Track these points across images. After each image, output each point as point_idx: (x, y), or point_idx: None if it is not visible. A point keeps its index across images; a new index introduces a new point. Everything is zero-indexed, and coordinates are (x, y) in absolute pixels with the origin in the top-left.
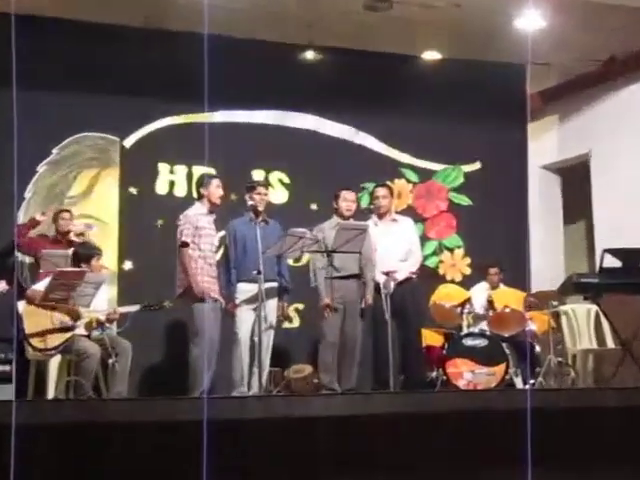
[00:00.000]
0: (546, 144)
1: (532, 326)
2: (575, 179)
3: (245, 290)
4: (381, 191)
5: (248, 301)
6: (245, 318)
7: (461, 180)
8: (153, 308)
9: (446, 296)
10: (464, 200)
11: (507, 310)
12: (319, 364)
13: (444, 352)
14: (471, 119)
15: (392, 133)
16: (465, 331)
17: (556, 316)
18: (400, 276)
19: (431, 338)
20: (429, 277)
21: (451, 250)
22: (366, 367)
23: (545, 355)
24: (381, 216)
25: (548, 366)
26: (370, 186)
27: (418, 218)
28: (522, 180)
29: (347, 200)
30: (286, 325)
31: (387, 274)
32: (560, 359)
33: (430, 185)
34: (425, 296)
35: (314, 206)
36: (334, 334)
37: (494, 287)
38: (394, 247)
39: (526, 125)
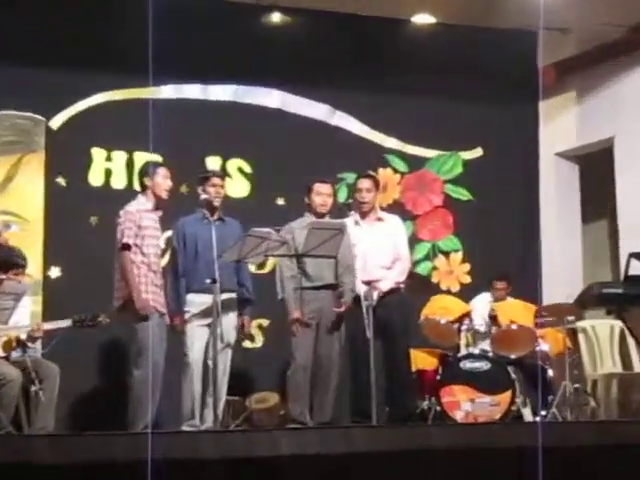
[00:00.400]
0: (562, 127)
1: (544, 346)
2: (596, 169)
3: (197, 302)
4: (363, 183)
5: (200, 316)
6: (197, 336)
7: (459, 170)
8: (86, 324)
9: (441, 310)
10: (463, 194)
11: (514, 327)
12: (287, 392)
13: (438, 377)
14: (471, 96)
15: (376, 113)
16: (463, 352)
17: (573, 334)
18: (385, 286)
19: (423, 361)
20: (420, 287)
21: (447, 254)
22: (344, 396)
23: (560, 381)
24: (363, 213)
25: (563, 394)
26: (350, 177)
27: (407, 215)
28: (533, 170)
29: (321, 194)
30: (247, 345)
31: (369, 283)
32: (577, 386)
33: (422, 176)
34: (415, 310)
35: (281, 201)
36: (305, 356)
37: (499, 299)
38: (378, 251)
39: (537, 104)
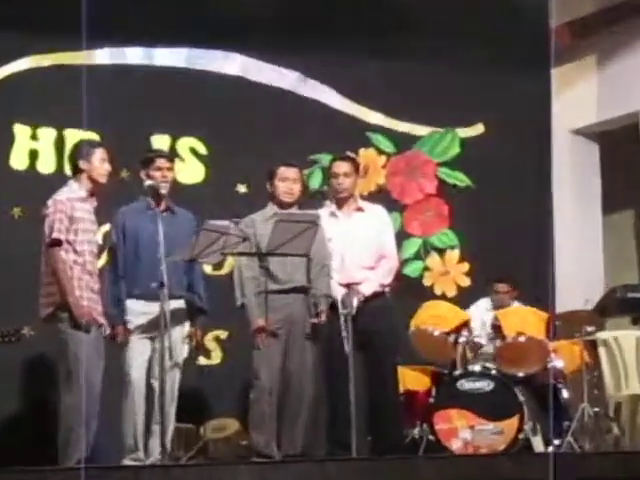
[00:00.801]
0: (579, 99)
1: (558, 362)
2: (620, 149)
3: (139, 311)
4: (340, 166)
5: (144, 327)
6: (139, 352)
7: (456, 150)
8: (6, 338)
9: (434, 319)
10: (461, 179)
11: (522, 339)
12: (250, 418)
13: (431, 400)
14: (471, 63)
15: (357, 81)
16: (461, 369)
17: (592, 347)
18: (367, 290)
19: (412, 380)
20: (409, 291)
21: (442, 252)
22: (318, 422)
23: (577, 403)
24: (340, 203)
25: (581, 419)
26: (325, 159)
27: (394, 205)
28: (544, 151)
29: (286, 179)
30: (202, 361)
31: (348, 287)
32: (598, 409)
33: (412, 158)
34: (404, 319)
35: (242, 188)
36: (272, 374)
37: (502, 306)
38: (359, 248)
39: (550, 72)
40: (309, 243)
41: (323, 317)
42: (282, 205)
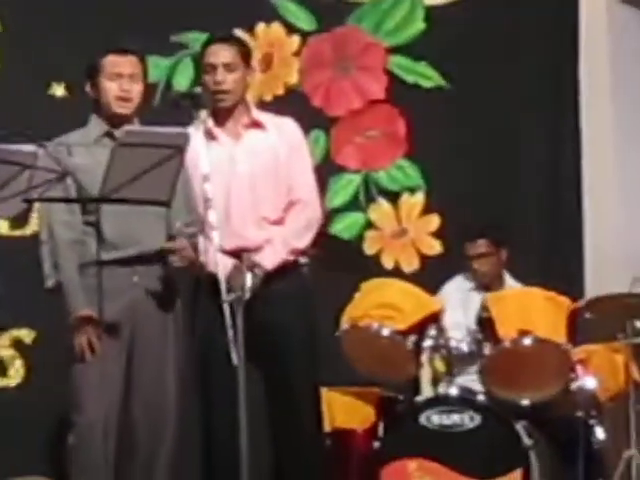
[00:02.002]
0: None
1: (589, 381)
2: None
3: None
4: (219, 53)
5: None
6: None
7: (419, 26)
8: None
9: (382, 309)
10: (426, 76)
11: (527, 342)
12: (72, 471)
13: (376, 445)
14: None
15: None
16: (427, 392)
17: None
18: (269, 260)
19: (345, 412)
20: (341, 263)
21: (395, 197)
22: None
23: (620, 449)
24: (222, 115)
25: (626, 474)
26: (197, 41)
27: (315, 118)
28: (565, 24)
29: (121, 76)
30: None
31: (237, 256)
32: None
33: (344, 37)
34: (330, 309)
35: (59, 90)
36: (105, 402)
37: (487, 283)
38: (253, 189)
39: None
40: (170, 183)
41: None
42: (113, 118)
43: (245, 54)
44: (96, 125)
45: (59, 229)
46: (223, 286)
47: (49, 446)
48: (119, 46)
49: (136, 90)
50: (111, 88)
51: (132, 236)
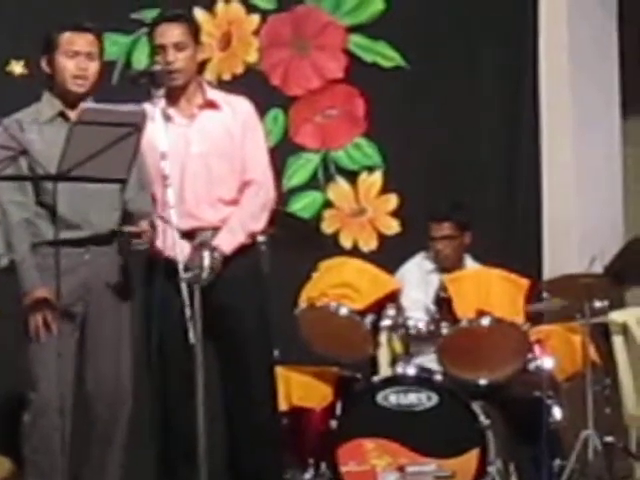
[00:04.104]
0: None
1: (546, 361)
2: None
3: None
4: (168, 33)
5: None
6: None
7: (378, 6)
8: None
9: (339, 289)
10: (386, 56)
11: (485, 322)
12: (26, 454)
13: (333, 424)
14: None
15: None
16: (384, 372)
17: (603, 335)
18: (227, 244)
19: (302, 391)
20: (298, 242)
21: (353, 176)
22: (144, 459)
23: (577, 429)
24: (175, 95)
25: (584, 455)
26: (147, 16)
27: (273, 97)
28: (523, 9)
29: (76, 53)
30: None
31: (191, 235)
32: (611, 439)
33: (303, 18)
34: (287, 289)
35: (18, 67)
36: (61, 382)
37: (448, 266)
38: (209, 168)
39: None
40: (128, 161)
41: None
42: (67, 96)
43: (194, 31)
44: (49, 104)
45: (11, 208)
46: (180, 265)
47: (3, 424)
48: (77, 23)
49: (92, 68)
50: (67, 66)
51: (86, 216)
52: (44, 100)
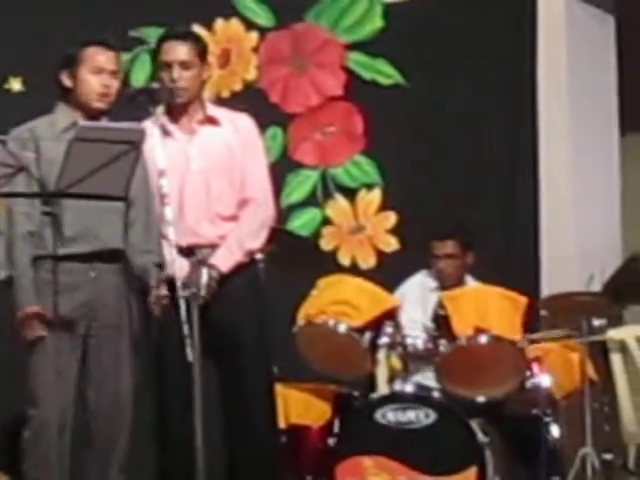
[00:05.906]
0: None
1: (544, 378)
2: None
3: None
4: (174, 50)
5: None
6: None
7: (377, 24)
8: None
9: (338, 306)
10: (385, 73)
11: (483, 339)
12: (25, 471)
13: (331, 442)
14: None
15: None
16: (382, 389)
17: (601, 354)
18: (224, 262)
19: (300, 408)
20: (297, 260)
21: (352, 194)
22: (144, 475)
23: (575, 447)
24: (177, 112)
25: (581, 473)
26: (153, 35)
27: (272, 115)
28: (521, 21)
29: (103, 70)
30: None
31: (191, 253)
32: (610, 456)
33: (302, 35)
34: (286, 306)
35: (16, 84)
36: (61, 399)
37: (450, 284)
38: (208, 185)
39: None
40: (126, 178)
41: (161, 294)
42: (89, 113)
43: (201, 50)
44: (65, 114)
45: (19, 219)
46: (179, 282)
47: (4, 440)
48: (101, 39)
49: (115, 86)
50: (91, 82)
51: (91, 231)
52: (59, 111)
